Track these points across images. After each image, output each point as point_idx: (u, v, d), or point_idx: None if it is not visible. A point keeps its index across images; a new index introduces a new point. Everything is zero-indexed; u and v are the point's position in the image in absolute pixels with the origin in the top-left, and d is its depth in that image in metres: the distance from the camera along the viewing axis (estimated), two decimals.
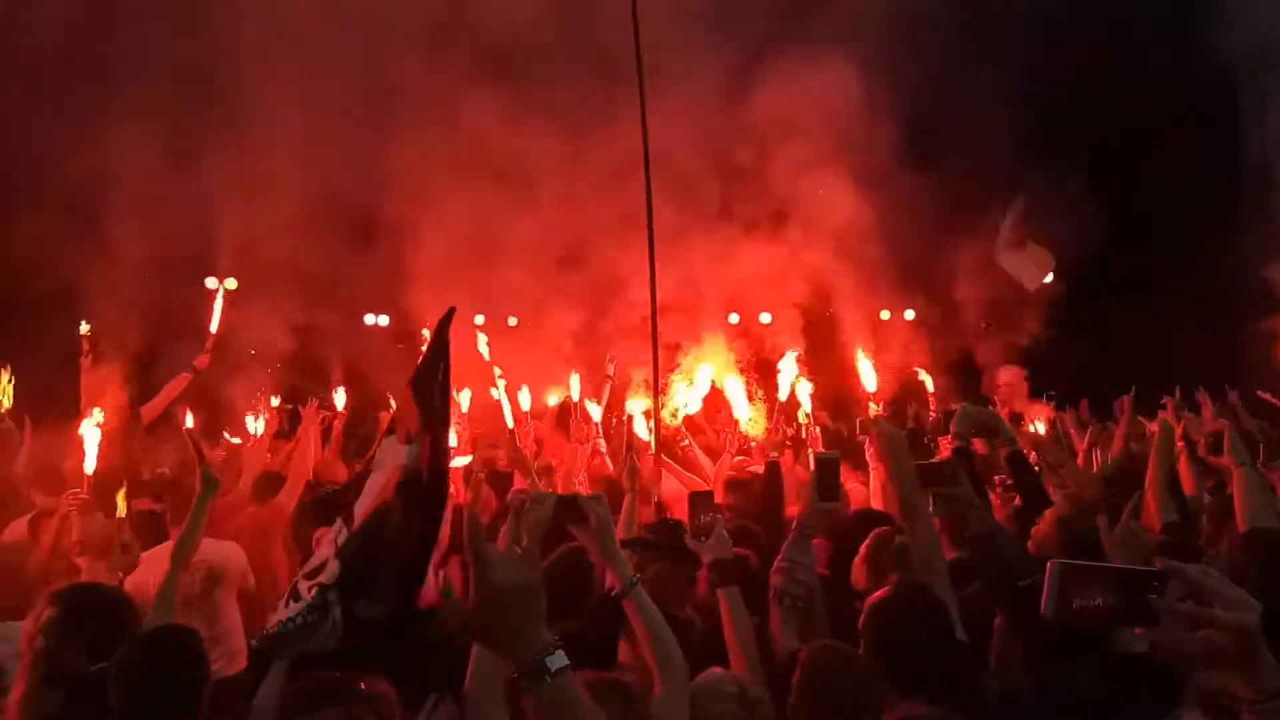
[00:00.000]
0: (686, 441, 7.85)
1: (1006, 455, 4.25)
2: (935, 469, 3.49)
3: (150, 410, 7.54)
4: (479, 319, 10.51)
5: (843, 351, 7.93)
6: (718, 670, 2.57)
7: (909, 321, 10.57)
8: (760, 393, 8.13)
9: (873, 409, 6.22)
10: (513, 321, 10.66)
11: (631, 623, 2.54)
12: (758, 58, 8.99)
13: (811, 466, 3.69)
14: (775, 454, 5.63)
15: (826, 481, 3.50)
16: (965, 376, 9.36)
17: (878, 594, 3.00)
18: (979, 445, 4.62)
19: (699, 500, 3.29)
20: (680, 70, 9.03)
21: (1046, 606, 1.64)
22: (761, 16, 9.32)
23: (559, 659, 1.58)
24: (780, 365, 7.41)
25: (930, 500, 3.47)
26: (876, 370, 7.05)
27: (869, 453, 5.42)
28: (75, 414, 6.28)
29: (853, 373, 7.34)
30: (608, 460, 7.27)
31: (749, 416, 8.20)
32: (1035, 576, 3.05)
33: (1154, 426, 6.38)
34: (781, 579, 3.26)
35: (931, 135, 9.85)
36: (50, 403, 7.04)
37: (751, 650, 2.95)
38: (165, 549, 4.58)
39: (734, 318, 10.44)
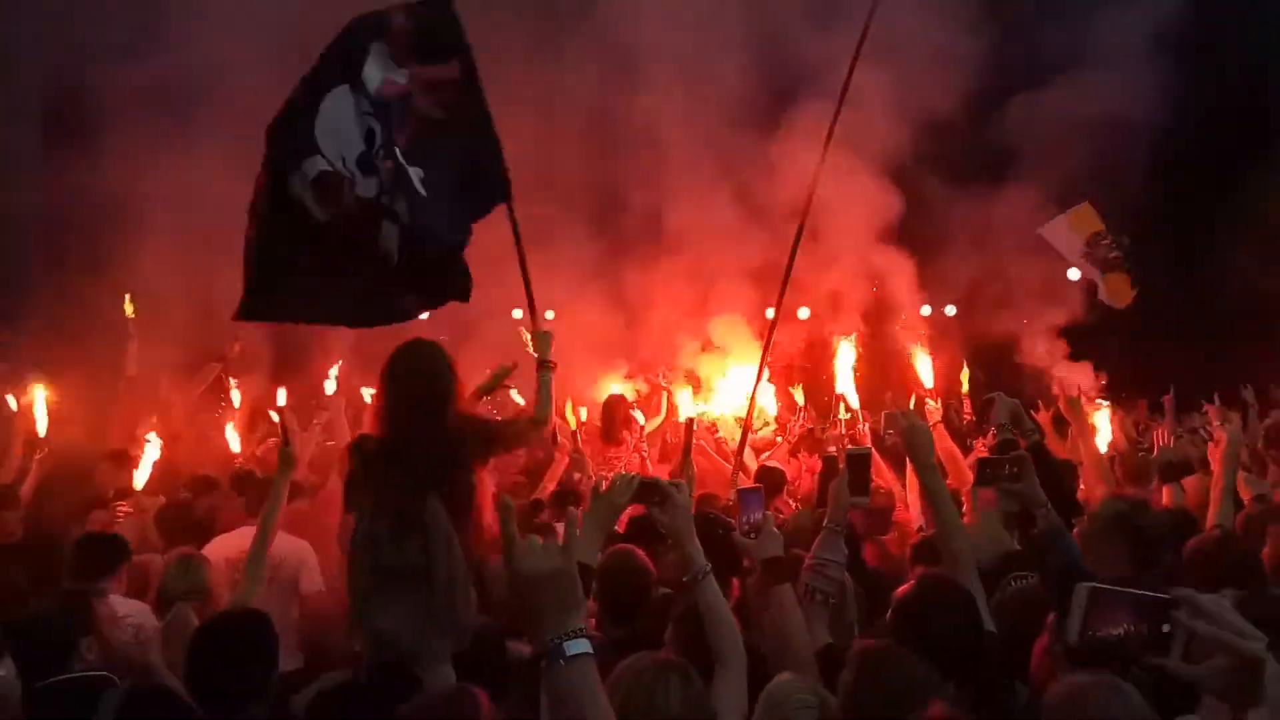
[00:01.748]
0: (720, 433, 7.83)
1: (1028, 447, 4.15)
2: (998, 465, 3.42)
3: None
4: (517, 313, 10.53)
5: (889, 349, 7.87)
6: (787, 676, 2.55)
7: (950, 317, 10.46)
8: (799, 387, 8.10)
9: (930, 405, 6.12)
10: (549, 315, 10.65)
11: (701, 609, 2.58)
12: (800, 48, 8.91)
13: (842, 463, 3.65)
14: (833, 449, 5.59)
15: (858, 478, 3.44)
16: (1003, 369, 9.27)
17: (903, 587, 3.00)
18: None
19: (748, 496, 3.25)
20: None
21: (1071, 631, 1.60)
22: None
23: (579, 645, 1.62)
24: (837, 359, 7.36)
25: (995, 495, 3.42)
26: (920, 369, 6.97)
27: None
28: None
29: (898, 370, 7.28)
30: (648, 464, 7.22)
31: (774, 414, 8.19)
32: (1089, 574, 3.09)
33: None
34: (811, 575, 3.25)
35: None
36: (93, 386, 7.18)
37: (806, 648, 2.92)
38: (229, 537, 4.81)
39: (769, 313, 10.41)
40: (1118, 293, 9.06)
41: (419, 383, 3.64)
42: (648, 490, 2.63)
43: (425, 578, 3.18)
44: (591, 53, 9.02)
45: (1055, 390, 7.76)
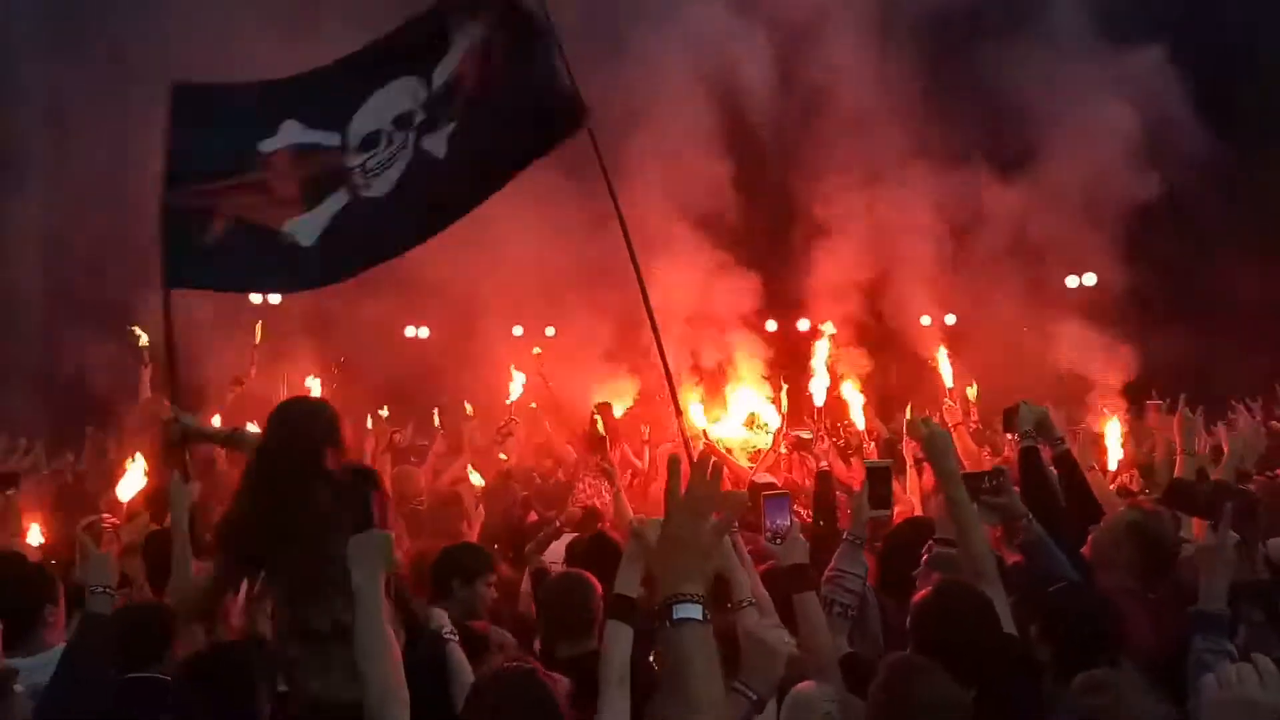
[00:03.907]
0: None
1: (1054, 456, 4.18)
2: (977, 479, 3.46)
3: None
4: (517, 330, 10.56)
5: (895, 358, 7.89)
6: (809, 684, 2.54)
7: (950, 326, 10.47)
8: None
9: (948, 404, 6.16)
10: (550, 332, 10.66)
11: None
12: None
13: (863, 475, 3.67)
14: (825, 463, 5.56)
15: (878, 491, 3.48)
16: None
17: (921, 593, 2.99)
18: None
19: (774, 502, 3.27)
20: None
21: None
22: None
23: (688, 610, 1.67)
24: (813, 363, 7.37)
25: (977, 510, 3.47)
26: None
27: (908, 453, 5.39)
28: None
29: (906, 379, 7.32)
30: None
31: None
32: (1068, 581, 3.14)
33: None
34: (830, 587, 3.27)
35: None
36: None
37: (828, 657, 2.93)
38: None
39: (771, 324, 10.43)
40: None
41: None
42: None
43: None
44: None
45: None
